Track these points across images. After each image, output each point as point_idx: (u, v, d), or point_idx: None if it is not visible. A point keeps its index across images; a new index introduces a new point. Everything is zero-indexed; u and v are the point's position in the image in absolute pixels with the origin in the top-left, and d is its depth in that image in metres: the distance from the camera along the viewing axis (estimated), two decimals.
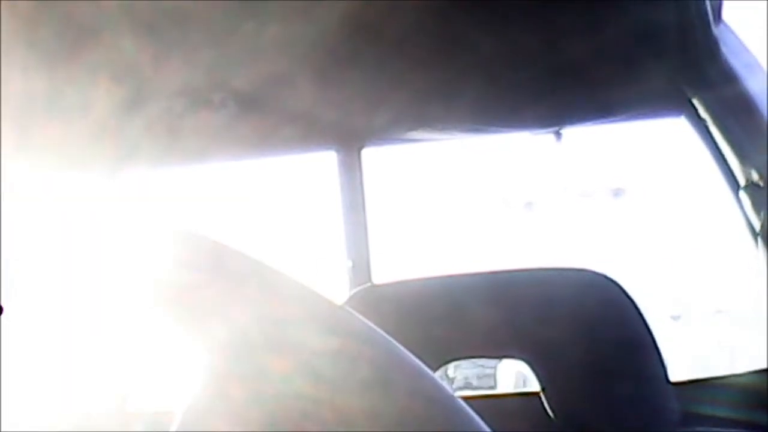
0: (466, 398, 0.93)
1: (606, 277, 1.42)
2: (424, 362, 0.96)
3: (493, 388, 6.78)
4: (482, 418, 0.81)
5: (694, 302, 7.59)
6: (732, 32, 1.51)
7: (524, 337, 1.41)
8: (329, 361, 0.75)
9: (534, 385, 1.41)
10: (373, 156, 1.91)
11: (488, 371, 7.17)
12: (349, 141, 1.87)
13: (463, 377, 7.41)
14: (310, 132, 1.77)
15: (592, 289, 1.43)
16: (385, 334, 0.84)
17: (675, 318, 7.44)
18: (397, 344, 0.83)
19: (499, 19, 1.37)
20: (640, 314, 1.37)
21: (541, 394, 1.37)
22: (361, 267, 1.90)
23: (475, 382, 7.31)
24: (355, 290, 1.54)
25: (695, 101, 1.55)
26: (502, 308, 1.43)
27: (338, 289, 1.80)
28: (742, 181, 1.50)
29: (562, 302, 1.41)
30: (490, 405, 1.05)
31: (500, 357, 1.50)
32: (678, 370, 1.50)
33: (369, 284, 1.62)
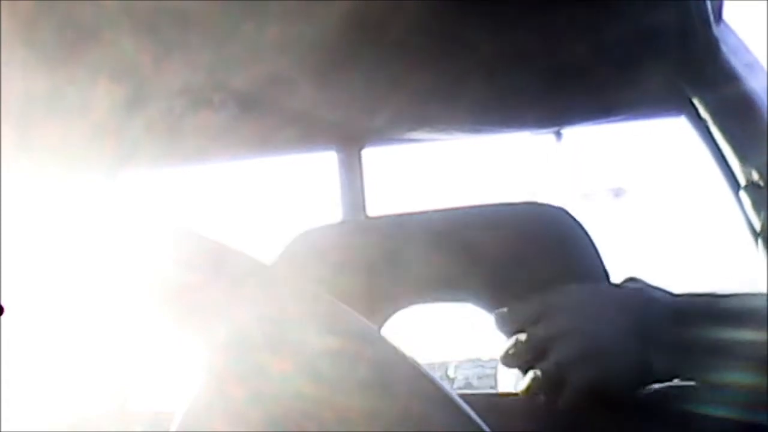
0: (465, 396, 0.93)
1: (564, 210, 1.34)
2: (371, 311, 0.95)
3: (493, 388, 6.78)
4: (482, 418, 0.80)
5: None
6: (732, 32, 1.51)
7: (479, 280, 1.31)
8: (329, 361, 0.75)
9: None
10: (373, 156, 1.91)
11: (488, 371, 7.17)
12: (349, 141, 1.87)
13: (463, 377, 7.42)
14: (310, 132, 1.78)
15: (548, 224, 1.34)
16: (385, 335, 0.84)
17: None
18: (397, 344, 0.83)
19: (500, 19, 1.37)
20: (596, 249, 1.29)
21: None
22: None
23: (475, 382, 7.31)
24: (291, 238, 1.40)
25: (695, 101, 1.56)
26: (453, 249, 1.33)
27: None
28: (742, 182, 1.50)
29: (517, 239, 1.33)
30: (491, 405, 1.03)
31: (456, 301, 1.29)
32: None
33: (306, 230, 1.44)
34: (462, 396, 0.85)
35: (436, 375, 0.85)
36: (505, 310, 1.05)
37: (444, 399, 0.81)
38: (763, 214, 1.46)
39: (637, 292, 1.00)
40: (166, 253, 0.79)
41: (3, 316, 0.87)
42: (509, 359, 1.03)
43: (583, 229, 1.31)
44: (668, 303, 0.98)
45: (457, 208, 1.44)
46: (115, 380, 1.65)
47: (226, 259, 0.80)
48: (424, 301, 1.38)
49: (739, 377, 0.89)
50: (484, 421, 0.80)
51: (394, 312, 1.35)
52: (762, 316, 0.91)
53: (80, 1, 1.18)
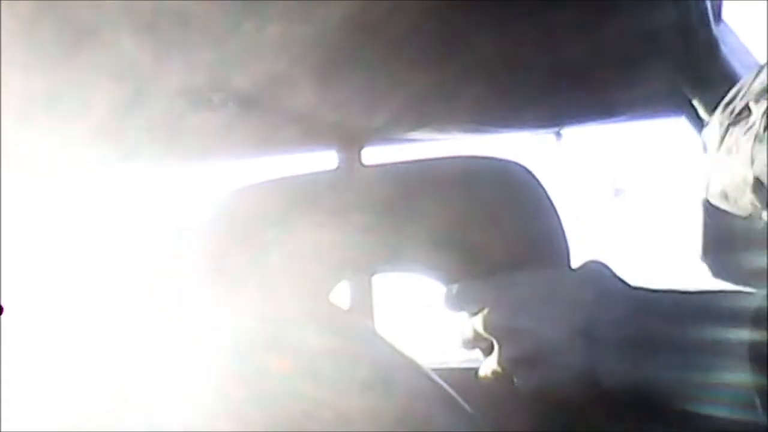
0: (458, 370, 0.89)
1: (524, 167, 1.14)
2: (314, 279, 0.89)
3: None
4: (472, 393, 0.80)
5: None
6: (732, 32, 1.51)
7: (426, 247, 1.09)
8: (329, 361, 0.75)
9: None
10: (373, 156, 1.91)
11: None
12: (349, 141, 1.87)
13: None
14: (310, 132, 1.77)
15: (506, 183, 1.14)
16: (385, 335, 0.84)
17: None
18: (397, 345, 0.83)
19: (499, 19, 1.37)
20: (558, 216, 1.13)
21: None
22: None
23: None
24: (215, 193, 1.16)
25: (695, 101, 1.56)
26: (396, 210, 1.10)
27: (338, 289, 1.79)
28: None
29: (467, 199, 1.12)
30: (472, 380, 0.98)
31: (402, 272, 1.01)
32: None
33: (234, 187, 1.23)
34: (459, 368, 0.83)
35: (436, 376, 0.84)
36: (454, 289, 0.94)
37: (445, 399, 0.81)
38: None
39: (589, 285, 0.89)
40: (167, 253, 0.79)
41: (3, 316, 0.87)
42: (458, 344, 0.96)
43: (545, 190, 1.15)
44: (622, 299, 0.87)
45: (397, 163, 1.21)
46: (115, 380, 1.64)
47: (227, 258, 0.80)
48: (371, 270, 1.18)
49: (697, 387, 0.81)
50: (474, 396, 0.80)
51: (339, 281, 1.13)
52: (727, 318, 0.81)
53: (80, 1, 1.18)
